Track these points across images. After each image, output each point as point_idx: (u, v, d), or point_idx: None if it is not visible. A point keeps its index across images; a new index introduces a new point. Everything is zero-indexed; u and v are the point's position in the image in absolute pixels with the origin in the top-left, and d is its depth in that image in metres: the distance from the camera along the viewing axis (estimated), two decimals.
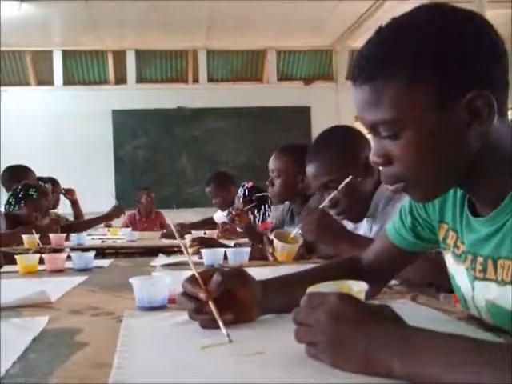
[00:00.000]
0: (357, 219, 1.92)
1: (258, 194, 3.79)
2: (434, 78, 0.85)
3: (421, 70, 0.85)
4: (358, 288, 0.86)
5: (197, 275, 1.01)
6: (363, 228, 1.90)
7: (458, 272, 1.05)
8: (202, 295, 0.97)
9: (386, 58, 0.87)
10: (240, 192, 3.87)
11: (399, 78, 0.86)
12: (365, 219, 1.89)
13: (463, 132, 0.86)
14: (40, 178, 4.71)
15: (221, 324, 0.92)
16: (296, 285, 1.03)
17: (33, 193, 3.71)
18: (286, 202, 2.90)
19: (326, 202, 1.79)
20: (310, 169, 1.89)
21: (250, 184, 3.89)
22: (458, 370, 0.62)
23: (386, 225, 1.24)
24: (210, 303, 0.96)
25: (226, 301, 0.99)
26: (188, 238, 2.85)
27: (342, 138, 1.91)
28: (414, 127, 0.87)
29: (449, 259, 1.08)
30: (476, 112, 0.85)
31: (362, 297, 0.84)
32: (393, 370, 0.67)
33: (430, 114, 0.86)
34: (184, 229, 4.17)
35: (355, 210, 1.86)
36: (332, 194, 1.77)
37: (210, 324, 0.96)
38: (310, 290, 0.85)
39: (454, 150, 0.88)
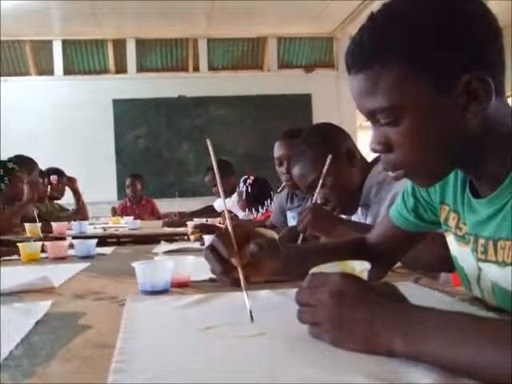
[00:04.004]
0: (351, 211, 1.93)
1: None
2: (430, 62, 0.84)
3: (416, 56, 0.85)
4: (361, 267, 0.86)
5: (232, 235, 1.00)
6: (357, 218, 1.90)
7: (461, 253, 1.04)
8: (234, 261, 0.98)
9: (379, 46, 0.87)
10: (242, 187, 3.77)
11: (395, 65, 0.85)
12: (358, 209, 1.89)
13: (462, 115, 0.86)
14: (47, 169, 4.72)
15: (246, 300, 0.92)
16: (312, 256, 1.12)
17: (13, 166, 3.52)
18: (285, 189, 2.90)
19: (316, 196, 1.81)
20: (295, 171, 1.92)
21: (252, 179, 3.79)
22: (460, 347, 0.62)
23: (384, 208, 1.24)
24: (240, 271, 0.97)
25: (250, 265, 1.01)
26: (190, 224, 2.85)
27: (320, 135, 1.94)
28: (412, 113, 0.86)
29: (451, 241, 1.08)
30: (473, 94, 0.85)
31: (364, 276, 0.84)
32: (395, 347, 0.67)
33: (427, 99, 0.85)
34: (184, 217, 4.17)
35: (347, 203, 1.87)
36: (320, 183, 1.77)
37: (231, 286, 1.00)
38: (313, 270, 0.85)
39: (454, 133, 0.88)
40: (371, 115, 0.91)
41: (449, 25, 0.85)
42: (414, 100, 0.86)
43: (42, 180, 4.28)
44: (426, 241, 1.24)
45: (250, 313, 0.90)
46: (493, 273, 0.95)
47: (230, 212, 3.52)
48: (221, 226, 2.79)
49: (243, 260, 0.99)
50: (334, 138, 1.91)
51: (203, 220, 3.26)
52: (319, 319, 0.75)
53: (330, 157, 1.75)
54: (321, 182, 1.77)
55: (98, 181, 7.06)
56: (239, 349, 0.76)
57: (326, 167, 1.75)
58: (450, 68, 0.84)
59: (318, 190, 1.79)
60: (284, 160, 2.66)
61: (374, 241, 1.25)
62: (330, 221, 1.73)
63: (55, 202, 4.79)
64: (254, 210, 3.73)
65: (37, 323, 0.94)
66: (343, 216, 1.96)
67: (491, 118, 0.87)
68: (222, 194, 1.11)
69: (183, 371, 0.66)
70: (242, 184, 3.80)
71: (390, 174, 0.95)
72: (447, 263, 1.14)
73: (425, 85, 0.85)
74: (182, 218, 4.19)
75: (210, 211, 4.54)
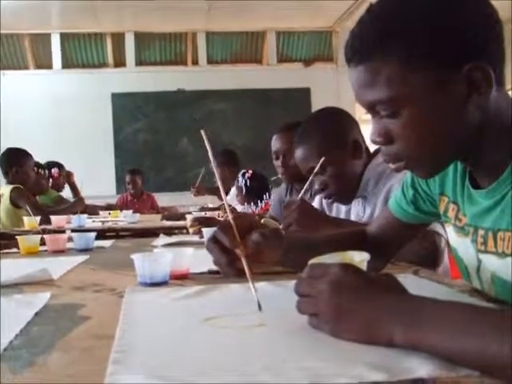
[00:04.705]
0: (347, 201, 1.92)
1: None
2: (430, 53, 0.84)
3: (415, 47, 0.84)
4: (360, 258, 0.86)
5: (234, 226, 1.00)
6: (356, 209, 1.90)
7: (460, 244, 1.04)
8: (239, 251, 0.98)
9: (379, 37, 0.86)
10: (241, 182, 3.72)
11: (394, 57, 0.85)
12: (356, 200, 1.88)
13: (462, 105, 0.86)
14: (47, 162, 4.76)
15: (253, 290, 0.92)
16: (314, 246, 1.12)
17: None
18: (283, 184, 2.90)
19: (302, 192, 1.81)
20: (298, 153, 1.89)
21: (250, 173, 3.74)
22: (460, 337, 0.62)
23: (380, 200, 1.24)
24: (244, 261, 0.97)
25: (254, 255, 1.01)
26: (189, 217, 2.85)
27: (330, 121, 1.90)
28: (412, 104, 0.86)
29: (450, 232, 1.08)
30: (474, 84, 0.85)
31: (363, 266, 0.84)
32: (395, 337, 0.66)
33: (427, 89, 0.85)
34: (201, 190, 4.89)
35: (345, 192, 1.86)
36: (309, 179, 1.77)
37: (235, 277, 1.00)
38: (312, 261, 0.84)
39: (454, 124, 0.87)
40: (371, 107, 0.91)
41: (448, 15, 0.84)
42: (415, 91, 0.86)
43: (42, 173, 4.31)
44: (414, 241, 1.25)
45: (258, 303, 0.89)
46: (492, 264, 0.95)
47: (230, 206, 3.52)
48: (220, 219, 2.79)
49: (248, 251, 0.98)
50: (343, 126, 1.87)
51: (202, 213, 3.26)
52: (319, 310, 0.74)
53: (322, 159, 1.73)
54: (312, 175, 1.76)
55: (96, 175, 7.05)
56: (239, 340, 0.75)
57: (317, 168, 1.74)
58: (451, 59, 0.84)
59: (307, 184, 1.78)
60: (280, 154, 2.64)
61: (374, 232, 1.25)
62: (316, 219, 1.72)
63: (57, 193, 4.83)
64: (252, 204, 3.71)
65: (36, 314, 0.94)
66: (340, 205, 1.96)
67: (491, 109, 0.87)
68: (220, 186, 1.11)
69: (182, 362, 0.66)
70: (240, 178, 3.76)
71: (391, 165, 0.95)
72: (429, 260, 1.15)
73: (425, 76, 0.85)
74: (198, 191, 4.79)
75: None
